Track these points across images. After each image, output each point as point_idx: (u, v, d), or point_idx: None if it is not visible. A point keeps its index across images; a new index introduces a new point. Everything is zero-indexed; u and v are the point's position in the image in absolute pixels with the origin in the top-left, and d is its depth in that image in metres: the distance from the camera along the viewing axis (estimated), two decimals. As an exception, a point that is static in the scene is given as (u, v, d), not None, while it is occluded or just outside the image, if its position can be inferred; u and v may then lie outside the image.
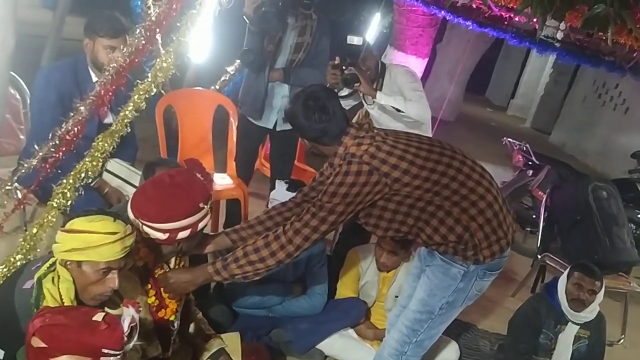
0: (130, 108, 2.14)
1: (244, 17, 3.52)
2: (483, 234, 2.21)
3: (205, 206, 2.07)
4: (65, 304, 1.73)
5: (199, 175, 2.12)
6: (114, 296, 1.87)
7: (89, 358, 1.47)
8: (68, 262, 1.76)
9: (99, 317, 1.52)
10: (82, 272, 1.77)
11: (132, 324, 1.52)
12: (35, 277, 1.72)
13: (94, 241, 1.73)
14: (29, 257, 2.18)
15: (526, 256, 5.13)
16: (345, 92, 3.52)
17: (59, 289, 1.75)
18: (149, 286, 2.15)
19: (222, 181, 3.96)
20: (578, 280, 3.05)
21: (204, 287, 2.87)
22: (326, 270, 3.18)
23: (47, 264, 1.77)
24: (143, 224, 2.00)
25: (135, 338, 1.54)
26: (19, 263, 2.15)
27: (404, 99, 3.32)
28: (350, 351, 3.09)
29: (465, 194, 2.20)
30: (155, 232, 2.01)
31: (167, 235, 2.02)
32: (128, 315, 1.52)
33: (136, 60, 2.12)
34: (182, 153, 3.86)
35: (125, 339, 1.50)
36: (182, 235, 2.03)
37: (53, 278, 1.76)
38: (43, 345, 1.47)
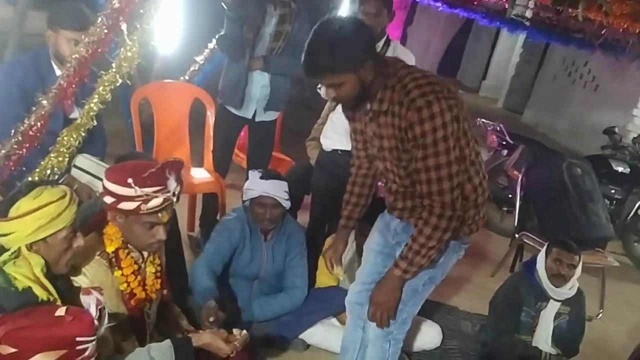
0: (95, 100, 2.06)
1: (222, 3, 3.46)
2: (474, 211, 2.21)
3: (174, 189, 2.03)
4: (42, 282, 1.72)
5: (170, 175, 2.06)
6: (82, 281, 1.84)
7: (64, 351, 1.43)
8: (33, 245, 1.74)
9: (61, 311, 1.47)
10: (50, 246, 1.77)
11: (99, 306, 1.50)
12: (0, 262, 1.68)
13: (53, 212, 1.74)
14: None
15: (504, 236, 5.18)
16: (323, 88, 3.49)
17: (33, 272, 1.72)
18: (119, 273, 2.09)
19: (199, 175, 3.90)
20: (557, 256, 3.06)
21: (181, 283, 2.84)
22: (306, 262, 3.14)
23: (8, 253, 1.72)
24: (113, 194, 1.95)
25: (106, 319, 1.51)
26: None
27: None
28: (333, 339, 3.05)
29: (472, 168, 2.14)
30: (126, 202, 1.96)
31: (136, 204, 1.96)
32: (92, 300, 1.50)
33: (99, 50, 2.04)
34: (158, 146, 3.80)
35: (96, 322, 1.47)
36: (152, 203, 1.97)
37: (15, 262, 1.72)
38: (13, 350, 1.42)
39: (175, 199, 2.08)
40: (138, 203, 1.98)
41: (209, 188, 3.85)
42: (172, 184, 2.05)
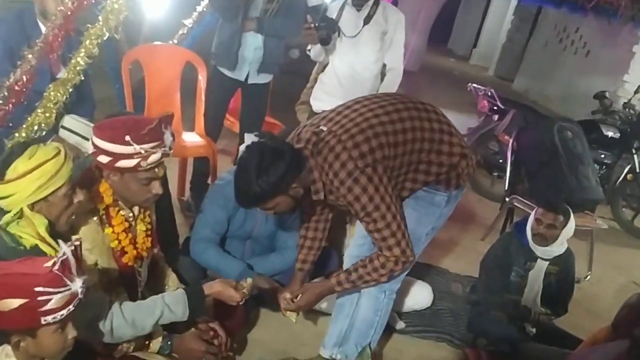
0: (81, 54, 2.02)
1: None
2: (465, 162, 2.28)
3: (170, 143, 2.04)
4: (48, 240, 1.73)
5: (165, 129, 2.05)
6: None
7: (25, 300, 1.39)
8: (35, 205, 1.74)
9: (49, 263, 1.44)
10: (52, 204, 1.77)
11: (62, 257, 1.45)
12: (3, 224, 1.67)
13: (51, 169, 1.73)
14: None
15: (494, 201, 5.20)
16: (317, 50, 3.49)
17: (37, 232, 1.72)
18: (110, 230, 2.08)
19: (191, 139, 3.86)
20: (539, 216, 3.08)
21: (172, 243, 2.83)
22: (299, 222, 3.13)
23: (11, 215, 1.71)
24: (109, 153, 1.94)
25: (79, 275, 1.46)
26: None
27: (381, 47, 3.28)
28: (326, 300, 3.05)
29: (437, 137, 2.22)
30: (125, 160, 1.95)
31: (135, 161, 1.95)
32: (61, 250, 1.46)
33: (85, 3, 1.98)
34: (149, 109, 3.77)
35: (60, 274, 1.42)
36: (151, 159, 1.97)
37: (18, 222, 1.71)
38: None
39: (170, 152, 2.07)
40: (137, 160, 1.96)
41: (200, 152, 3.82)
42: (168, 138, 2.05)
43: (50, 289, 1.40)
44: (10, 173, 1.70)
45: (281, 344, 2.83)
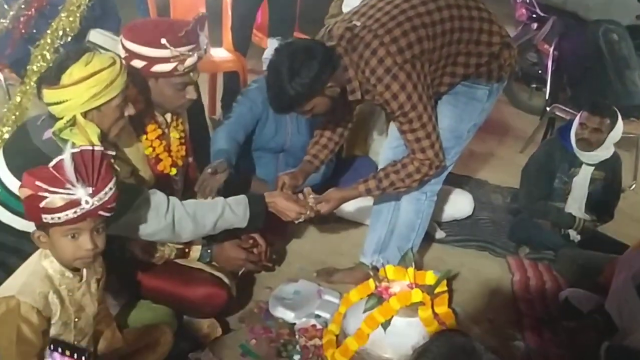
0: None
1: None
2: (508, 52, 2.17)
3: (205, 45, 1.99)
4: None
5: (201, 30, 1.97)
6: (108, 145, 1.77)
7: (30, 192, 1.39)
8: (87, 114, 1.70)
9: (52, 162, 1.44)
10: (104, 115, 1.74)
11: (61, 158, 1.41)
12: (56, 129, 1.63)
13: (106, 78, 1.69)
14: (14, 128, 2.04)
15: (533, 114, 5.01)
16: None
17: (90, 141, 1.66)
18: (144, 137, 2.04)
19: (219, 54, 3.77)
20: (583, 120, 2.94)
21: (206, 154, 2.78)
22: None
23: (64, 121, 1.66)
24: (144, 57, 1.89)
25: (86, 183, 1.42)
26: (6, 135, 2.02)
27: None
28: (362, 210, 3.02)
29: (477, 26, 2.10)
30: (161, 64, 1.91)
31: (172, 65, 1.91)
32: (67, 153, 1.42)
33: None
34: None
35: (60, 176, 1.40)
36: (188, 62, 1.92)
37: (71, 129, 1.67)
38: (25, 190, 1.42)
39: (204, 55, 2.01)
40: (174, 64, 1.91)
41: (229, 66, 3.74)
42: (204, 40, 1.98)
43: (47, 186, 1.38)
44: (65, 78, 1.65)
45: (320, 254, 2.82)
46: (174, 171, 2.16)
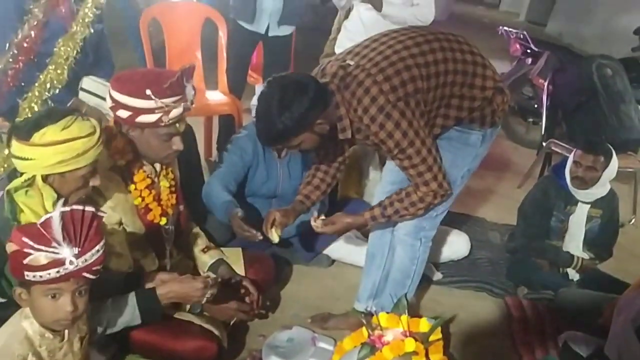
0: (89, 5, 1.93)
1: None
2: (500, 98, 2.16)
3: (191, 97, 1.96)
4: None
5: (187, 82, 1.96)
6: (96, 196, 1.81)
7: (17, 247, 1.39)
8: (49, 176, 1.67)
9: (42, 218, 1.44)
10: (66, 181, 1.70)
11: (48, 217, 1.41)
12: (5, 190, 1.61)
13: (79, 148, 1.66)
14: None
15: (530, 148, 5.02)
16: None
17: (43, 205, 1.65)
18: (133, 187, 2.03)
19: (215, 97, 3.79)
20: (577, 158, 2.92)
21: (198, 202, 2.77)
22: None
23: (22, 180, 1.64)
24: (129, 107, 1.87)
25: (71, 243, 1.41)
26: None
27: (409, 7, 3.19)
28: (358, 253, 2.99)
29: (470, 70, 2.10)
30: (146, 114, 1.89)
31: (156, 116, 1.89)
32: (55, 211, 1.43)
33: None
34: (170, 68, 3.69)
35: (46, 234, 1.39)
36: (173, 114, 1.90)
37: (27, 191, 1.65)
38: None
39: (191, 107, 1.99)
40: (159, 115, 1.89)
41: (224, 109, 3.75)
42: (190, 92, 1.97)
43: (33, 243, 1.38)
44: (37, 137, 1.62)
45: (315, 299, 2.78)
46: (164, 220, 2.14)
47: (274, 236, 2.28)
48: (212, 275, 2.12)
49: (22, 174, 1.65)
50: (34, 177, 1.64)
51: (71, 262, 1.40)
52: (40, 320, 1.48)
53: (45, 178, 1.67)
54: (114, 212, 1.99)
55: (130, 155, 2.01)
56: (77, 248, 1.41)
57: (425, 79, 2.01)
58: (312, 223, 2.25)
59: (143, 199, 2.07)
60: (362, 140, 2.13)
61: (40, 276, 1.39)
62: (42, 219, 1.42)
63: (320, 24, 4.72)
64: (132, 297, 1.88)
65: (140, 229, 2.07)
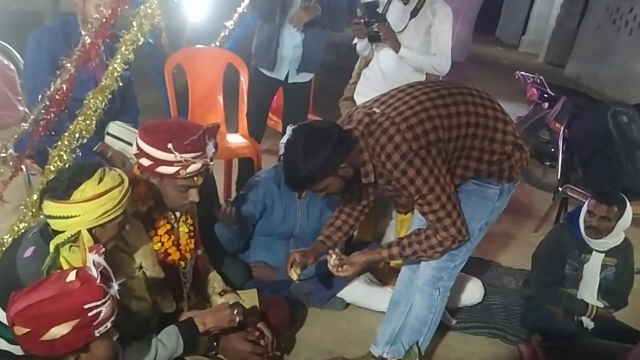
0: (118, 60, 2.04)
1: None
2: (519, 154, 2.21)
3: (211, 154, 2.04)
4: None
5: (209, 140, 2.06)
6: (119, 242, 1.87)
7: (78, 319, 1.41)
8: (92, 229, 1.73)
9: (72, 276, 1.45)
10: (106, 231, 1.78)
11: (99, 269, 1.47)
12: (53, 245, 1.66)
13: (117, 196, 1.74)
14: (32, 224, 2.12)
15: (547, 191, 5.03)
16: (363, 45, 3.45)
17: (83, 260, 1.67)
18: (153, 233, 2.10)
19: (235, 140, 3.88)
20: (591, 207, 2.94)
21: (215, 245, 2.84)
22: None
23: (67, 236, 1.69)
24: (151, 157, 1.97)
25: (114, 280, 1.49)
26: (23, 231, 2.09)
27: (427, 52, 3.26)
28: (373, 297, 3.03)
29: (491, 125, 2.16)
30: (165, 166, 1.98)
31: (175, 169, 1.98)
32: (90, 261, 1.47)
33: (119, 9, 2.00)
34: (192, 112, 3.82)
35: (102, 285, 1.45)
36: (191, 169, 1.99)
37: (71, 247, 1.70)
38: (27, 330, 1.41)
39: (211, 163, 2.08)
40: (177, 168, 1.98)
41: (244, 153, 3.83)
42: (210, 150, 2.05)
43: (99, 302, 1.42)
44: (78, 194, 1.69)
45: (329, 343, 2.81)
46: (182, 264, 2.21)
47: (294, 276, 2.35)
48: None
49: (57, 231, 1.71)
50: (78, 232, 1.70)
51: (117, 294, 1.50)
52: None
53: (89, 231, 1.72)
54: (135, 257, 2.06)
55: (151, 202, 2.10)
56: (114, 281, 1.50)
57: (447, 129, 2.08)
58: (330, 263, 2.31)
59: (162, 244, 2.14)
60: (384, 185, 2.19)
61: (111, 322, 1.47)
62: (94, 274, 1.47)
63: (342, 64, 4.81)
64: (174, 329, 2.01)
65: (159, 273, 2.14)
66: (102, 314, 1.43)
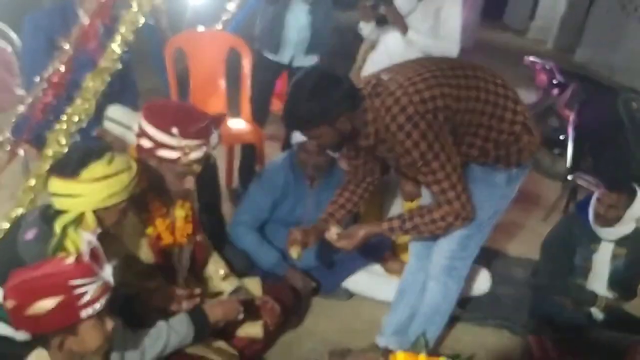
0: (117, 42, 1.97)
1: None
2: (527, 138, 2.14)
3: (215, 143, 2.01)
4: None
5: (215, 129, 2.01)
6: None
7: (62, 296, 1.37)
8: (95, 212, 1.71)
9: (72, 258, 1.43)
10: (108, 215, 1.76)
11: (91, 247, 1.44)
12: (59, 227, 1.64)
13: (125, 180, 1.73)
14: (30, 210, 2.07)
15: (556, 179, 4.94)
16: (370, 28, 3.39)
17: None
18: (146, 215, 2.06)
19: (237, 125, 3.82)
20: (599, 195, 2.88)
21: (218, 231, 2.79)
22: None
23: (72, 216, 1.67)
24: (152, 139, 1.92)
25: (106, 262, 1.44)
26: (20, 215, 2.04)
27: (435, 36, 3.19)
28: (378, 287, 2.99)
29: (501, 103, 2.10)
30: (166, 150, 1.93)
31: (176, 154, 1.93)
32: (85, 240, 1.46)
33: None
34: (193, 97, 3.76)
35: (92, 263, 1.42)
36: (192, 156, 1.94)
37: (76, 228, 1.69)
38: (15, 303, 1.39)
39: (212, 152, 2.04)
40: (178, 154, 1.93)
41: (247, 138, 3.77)
42: (214, 139, 2.00)
43: (85, 280, 1.39)
44: (86, 173, 1.67)
45: (333, 333, 2.77)
46: (175, 250, 2.16)
47: (294, 254, 2.31)
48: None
49: (59, 211, 1.67)
50: (82, 214, 1.67)
51: (111, 279, 1.45)
52: (91, 349, 1.48)
53: (95, 212, 1.71)
54: (124, 239, 2.01)
55: (144, 183, 2.04)
56: (109, 265, 1.47)
57: (456, 99, 2.02)
58: (327, 235, 2.26)
59: (155, 228, 2.08)
60: (385, 152, 2.13)
61: (100, 305, 1.43)
62: (85, 253, 1.44)
63: (347, 49, 4.75)
64: (186, 316, 1.99)
65: (150, 257, 2.08)
66: (88, 294, 1.39)
